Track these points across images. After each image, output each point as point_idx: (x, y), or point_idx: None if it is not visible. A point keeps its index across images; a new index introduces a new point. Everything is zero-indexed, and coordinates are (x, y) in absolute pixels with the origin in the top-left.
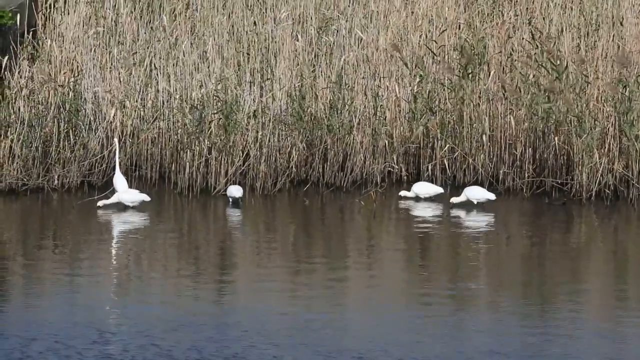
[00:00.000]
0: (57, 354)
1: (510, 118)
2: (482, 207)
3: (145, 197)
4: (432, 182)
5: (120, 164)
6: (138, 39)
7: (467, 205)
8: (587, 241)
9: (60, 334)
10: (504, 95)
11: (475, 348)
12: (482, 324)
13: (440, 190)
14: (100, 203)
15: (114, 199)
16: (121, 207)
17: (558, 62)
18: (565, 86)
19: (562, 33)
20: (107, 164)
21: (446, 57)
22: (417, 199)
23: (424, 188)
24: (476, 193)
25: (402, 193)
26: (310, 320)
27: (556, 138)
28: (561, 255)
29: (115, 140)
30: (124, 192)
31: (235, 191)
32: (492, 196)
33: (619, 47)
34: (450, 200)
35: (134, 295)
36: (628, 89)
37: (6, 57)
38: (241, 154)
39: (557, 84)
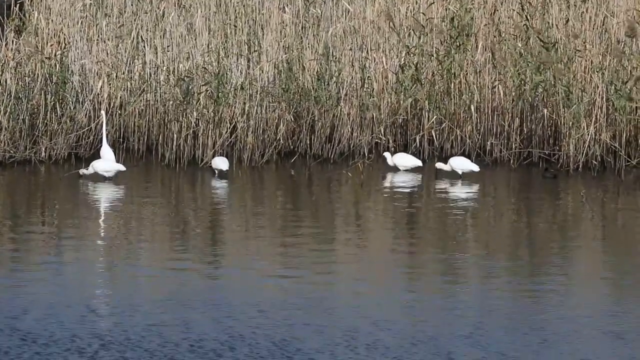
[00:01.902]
0: (46, 329)
1: (498, 89)
2: (469, 178)
3: (120, 167)
4: (420, 154)
5: (107, 137)
6: (125, 11)
7: (453, 176)
8: (575, 212)
9: (49, 309)
10: (494, 64)
11: (466, 322)
12: (471, 296)
13: (418, 162)
14: (81, 171)
15: (90, 169)
16: (101, 178)
17: (547, 35)
18: (554, 58)
19: (550, 4)
20: (94, 136)
21: (434, 29)
22: (396, 170)
23: (402, 160)
24: (461, 163)
25: (438, 165)
26: (299, 295)
27: (545, 110)
28: (549, 226)
29: (102, 113)
30: (98, 161)
31: (220, 163)
32: (475, 167)
33: (605, 17)
34: (436, 165)
35: (123, 269)
36: (625, 58)
37: None
38: (229, 126)
39: (549, 56)
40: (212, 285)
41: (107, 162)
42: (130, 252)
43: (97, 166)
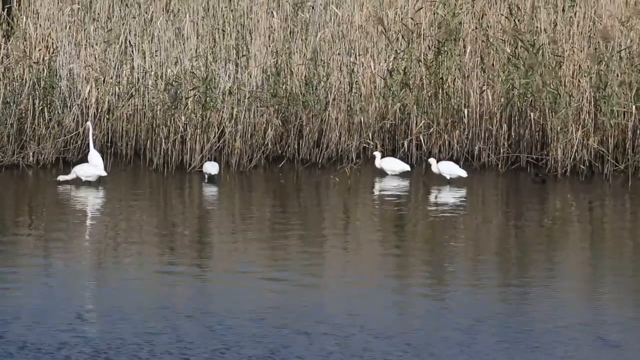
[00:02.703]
0: (35, 336)
1: (486, 93)
2: (457, 182)
3: (101, 172)
4: (408, 158)
5: (95, 142)
6: (113, 16)
7: (440, 181)
8: (563, 217)
9: (37, 315)
10: (482, 69)
11: (454, 325)
12: (460, 299)
13: (406, 167)
14: (59, 178)
15: (72, 174)
16: (83, 183)
17: (534, 39)
18: (541, 61)
19: (538, 9)
20: (82, 140)
21: (423, 33)
22: (384, 174)
23: (390, 164)
24: (448, 168)
25: (430, 160)
26: (288, 298)
27: (532, 114)
28: (537, 231)
29: (88, 124)
30: (79, 166)
31: (210, 168)
32: (463, 173)
33: (594, 22)
34: (429, 160)
35: (111, 274)
36: (604, 63)
37: None
38: (217, 131)
39: (534, 60)
40: (201, 291)
41: (88, 167)
42: (119, 258)
43: (78, 171)
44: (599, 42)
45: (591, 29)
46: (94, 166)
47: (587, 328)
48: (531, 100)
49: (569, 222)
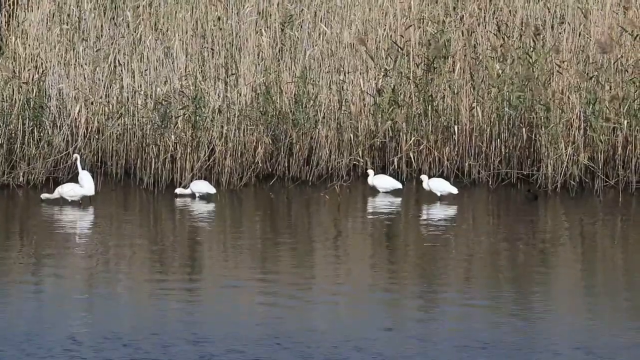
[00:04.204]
0: (25, 355)
1: (476, 110)
2: (448, 199)
3: (87, 192)
4: (398, 175)
5: (84, 167)
6: (102, 36)
7: (431, 198)
8: (555, 234)
9: (29, 336)
10: (472, 86)
11: (446, 343)
12: (452, 318)
13: (398, 185)
14: (43, 196)
15: (55, 194)
16: (69, 203)
17: (531, 50)
18: (533, 77)
19: (526, 26)
20: (72, 160)
21: (412, 51)
22: (375, 191)
23: (382, 181)
24: (439, 185)
25: (422, 177)
26: (280, 318)
27: (523, 129)
28: (529, 249)
29: (75, 155)
30: (63, 186)
31: (205, 187)
32: (454, 190)
33: (584, 37)
34: (420, 177)
35: (102, 295)
36: (594, 78)
37: None
38: (207, 149)
39: (530, 73)
40: (192, 311)
41: (73, 186)
42: (110, 279)
43: (62, 191)
44: (587, 57)
45: (582, 45)
46: (78, 186)
47: (582, 346)
48: (522, 116)
49: (561, 239)
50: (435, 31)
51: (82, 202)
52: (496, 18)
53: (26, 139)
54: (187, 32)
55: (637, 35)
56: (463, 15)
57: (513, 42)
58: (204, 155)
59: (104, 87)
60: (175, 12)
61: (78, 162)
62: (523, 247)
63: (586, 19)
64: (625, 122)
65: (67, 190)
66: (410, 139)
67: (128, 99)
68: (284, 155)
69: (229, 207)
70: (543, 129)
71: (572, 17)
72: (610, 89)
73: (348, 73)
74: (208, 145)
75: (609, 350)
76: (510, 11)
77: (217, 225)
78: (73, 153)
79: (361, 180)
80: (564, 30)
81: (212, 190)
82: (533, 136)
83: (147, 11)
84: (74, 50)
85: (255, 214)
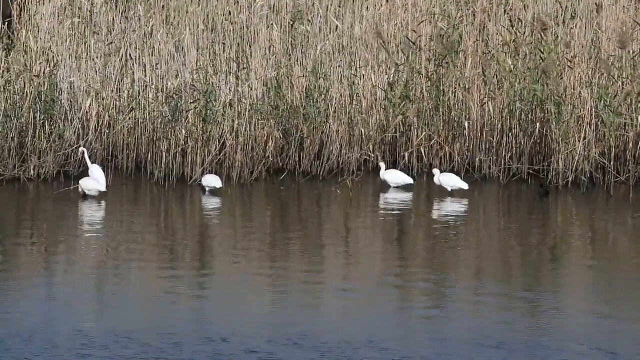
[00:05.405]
0: (36, 351)
1: (488, 105)
2: (459, 194)
3: (101, 187)
4: (409, 170)
5: (93, 160)
6: (114, 29)
7: (442, 193)
8: (566, 230)
9: (38, 331)
10: (484, 81)
11: (457, 339)
12: (462, 313)
13: (409, 180)
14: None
15: (89, 187)
16: (81, 196)
17: (545, 43)
18: (553, 69)
19: (537, 21)
20: (79, 154)
21: (424, 46)
22: (386, 186)
23: (393, 177)
24: (450, 180)
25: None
26: (290, 314)
27: (535, 124)
28: (541, 245)
29: (82, 149)
30: (83, 180)
31: (214, 181)
32: (465, 185)
33: (596, 32)
34: (433, 171)
35: (113, 290)
36: (605, 75)
37: None
38: (218, 144)
39: (549, 63)
40: (203, 308)
41: (90, 181)
42: (121, 274)
43: (82, 183)
44: (599, 51)
45: (592, 43)
46: (96, 181)
47: (594, 344)
48: (533, 111)
49: (572, 235)
50: (447, 26)
51: (99, 197)
52: (508, 13)
53: (37, 133)
54: (198, 26)
55: None
56: (475, 10)
57: (525, 37)
58: (215, 149)
59: (115, 81)
60: (187, 6)
61: (86, 156)
62: (534, 243)
63: (598, 15)
64: (638, 117)
65: (85, 184)
66: (422, 134)
67: (139, 93)
68: (295, 150)
69: (239, 202)
70: (554, 124)
71: (583, 12)
72: (623, 84)
73: (360, 67)
74: (219, 139)
75: (625, 348)
76: (525, 6)
77: (228, 220)
78: (82, 147)
79: (372, 175)
80: (576, 25)
81: (218, 184)
82: (544, 131)
83: (158, 5)
84: (85, 44)
85: (266, 208)
